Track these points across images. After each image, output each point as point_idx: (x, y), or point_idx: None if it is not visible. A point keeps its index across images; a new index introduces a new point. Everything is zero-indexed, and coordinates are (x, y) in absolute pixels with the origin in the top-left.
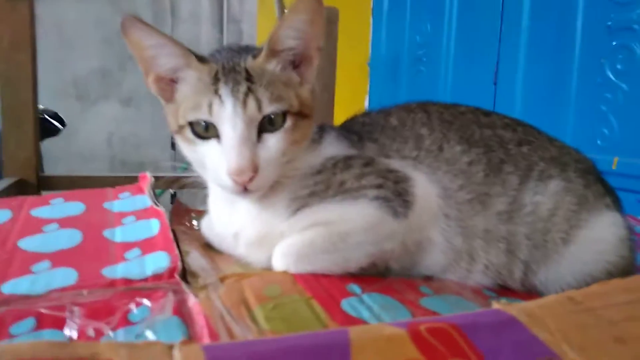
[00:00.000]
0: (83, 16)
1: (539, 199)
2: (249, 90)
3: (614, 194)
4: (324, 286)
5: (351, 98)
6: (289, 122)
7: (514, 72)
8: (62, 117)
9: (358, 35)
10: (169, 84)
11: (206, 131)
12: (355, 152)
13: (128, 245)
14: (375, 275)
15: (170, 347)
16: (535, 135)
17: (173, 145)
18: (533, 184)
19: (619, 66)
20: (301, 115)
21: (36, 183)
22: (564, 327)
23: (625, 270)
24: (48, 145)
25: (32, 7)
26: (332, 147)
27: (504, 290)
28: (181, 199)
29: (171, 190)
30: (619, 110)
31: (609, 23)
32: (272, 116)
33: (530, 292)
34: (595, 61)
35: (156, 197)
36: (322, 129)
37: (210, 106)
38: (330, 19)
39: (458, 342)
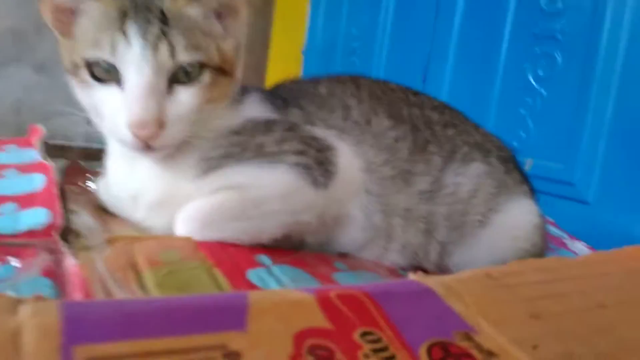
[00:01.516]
0: None
1: (460, 180)
2: (163, 33)
3: (530, 183)
4: (230, 255)
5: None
6: (206, 76)
7: (442, 72)
8: None
9: (294, 21)
10: (67, 16)
11: (107, 73)
12: (279, 117)
13: (3, 199)
14: (288, 249)
15: (17, 302)
16: (462, 120)
17: (89, 121)
18: (456, 165)
19: (540, 72)
20: (222, 71)
21: None
22: (480, 301)
23: (536, 257)
24: None
25: None
26: (254, 109)
27: (418, 271)
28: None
29: (82, 164)
30: (536, 115)
31: (536, 31)
32: (188, 68)
33: (444, 274)
34: (519, 66)
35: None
36: (245, 90)
37: (113, 45)
38: None
39: (370, 311)
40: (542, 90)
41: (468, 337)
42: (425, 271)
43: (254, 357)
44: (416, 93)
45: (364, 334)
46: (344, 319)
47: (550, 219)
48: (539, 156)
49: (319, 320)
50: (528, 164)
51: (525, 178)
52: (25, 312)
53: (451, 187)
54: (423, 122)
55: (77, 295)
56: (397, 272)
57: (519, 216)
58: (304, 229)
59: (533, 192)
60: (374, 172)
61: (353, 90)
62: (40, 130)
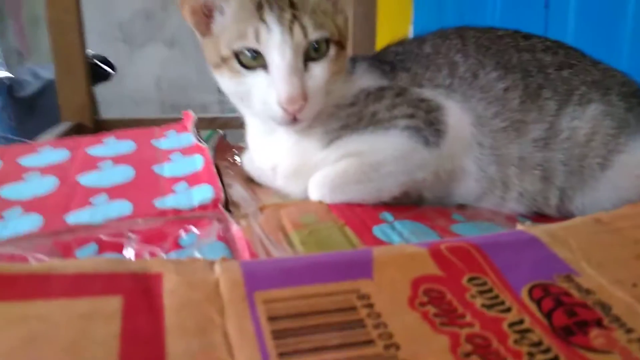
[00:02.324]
0: None
1: (576, 123)
2: (294, 17)
3: None
4: (357, 214)
5: (394, 28)
6: (332, 51)
7: None
8: (111, 61)
9: None
10: (204, 16)
11: (253, 60)
12: (388, 83)
13: (176, 179)
14: (408, 204)
15: (212, 263)
16: (578, 58)
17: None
18: (571, 108)
19: None
20: (340, 45)
21: (93, 126)
22: (585, 245)
23: None
24: (101, 90)
25: None
26: (365, 79)
27: (538, 217)
28: (230, 139)
29: (220, 132)
30: None
31: None
32: (317, 44)
33: (566, 219)
34: None
35: (206, 138)
36: (354, 60)
37: (257, 33)
38: None
39: (477, 259)
40: None
41: (569, 279)
42: (546, 217)
43: (381, 299)
44: (527, 36)
45: (471, 279)
46: (453, 267)
47: None
48: None
49: (432, 268)
50: None
51: None
52: (218, 269)
53: (567, 131)
54: (535, 67)
55: (245, 254)
56: (515, 219)
57: None
58: (421, 186)
59: None
60: (485, 125)
61: (459, 44)
62: (192, 116)
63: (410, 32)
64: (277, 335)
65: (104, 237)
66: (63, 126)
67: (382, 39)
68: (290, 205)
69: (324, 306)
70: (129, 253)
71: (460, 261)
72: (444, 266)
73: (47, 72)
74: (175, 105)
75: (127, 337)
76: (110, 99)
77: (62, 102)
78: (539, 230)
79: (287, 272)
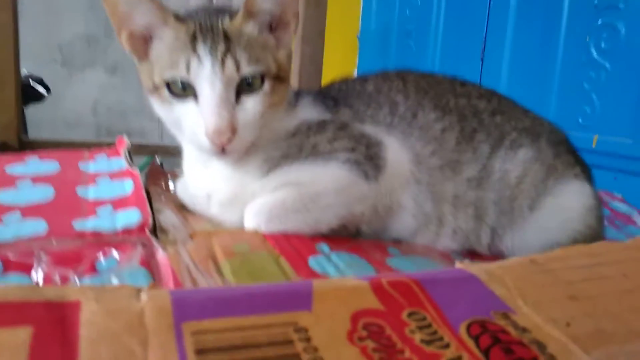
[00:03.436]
0: None
1: (508, 166)
2: (228, 50)
3: (584, 165)
4: (293, 245)
5: (339, 71)
6: (267, 85)
7: (500, 49)
8: (47, 83)
9: (348, 8)
10: (142, 42)
11: (183, 90)
12: (330, 117)
13: (100, 202)
14: (345, 237)
15: (138, 290)
16: (510, 106)
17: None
18: (503, 152)
19: (603, 45)
20: (278, 78)
21: (18, 146)
22: (521, 284)
23: (592, 240)
24: (33, 110)
25: None
26: (307, 111)
27: (471, 255)
28: (167, 167)
29: (157, 159)
30: (601, 89)
31: (595, 1)
32: (250, 78)
33: (497, 257)
34: (581, 39)
35: (141, 166)
36: (299, 94)
37: (188, 65)
38: None
39: (417, 295)
40: (606, 64)
41: (505, 316)
42: (478, 255)
43: (318, 332)
44: (464, 83)
45: (411, 314)
46: (394, 302)
47: (618, 195)
48: (605, 132)
49: (372, 302)
50: (594, 141)
51: (577, 160)
52: (144, 297)
53: (499, 173)
54: (470, 112)
55: (169, 283)
56: (449, 256)
57: (569, 198)
58: (359, 219)
59: (588, 174)
60: (423, 163)
61: (400, 86)
62: (125, 141)
63: (354, 74)
64: None
65: (11, 256)
66: None
67: (328, 80)
68: (223, 232)
69: (258, 339)
70: (37, 275)
71: (401, 296)
72: (385, 300)
73: None
74: (112, 130)
75: None
76: (44, 119)
77: None
78: (477, 269)
79: (221, 302)
